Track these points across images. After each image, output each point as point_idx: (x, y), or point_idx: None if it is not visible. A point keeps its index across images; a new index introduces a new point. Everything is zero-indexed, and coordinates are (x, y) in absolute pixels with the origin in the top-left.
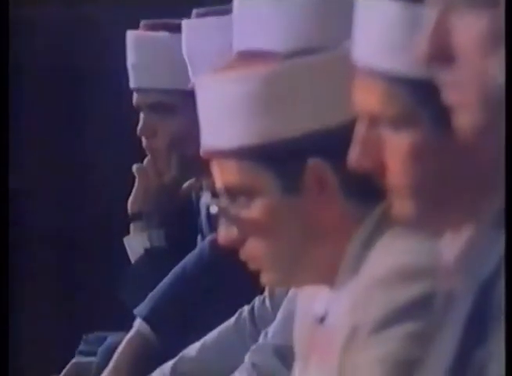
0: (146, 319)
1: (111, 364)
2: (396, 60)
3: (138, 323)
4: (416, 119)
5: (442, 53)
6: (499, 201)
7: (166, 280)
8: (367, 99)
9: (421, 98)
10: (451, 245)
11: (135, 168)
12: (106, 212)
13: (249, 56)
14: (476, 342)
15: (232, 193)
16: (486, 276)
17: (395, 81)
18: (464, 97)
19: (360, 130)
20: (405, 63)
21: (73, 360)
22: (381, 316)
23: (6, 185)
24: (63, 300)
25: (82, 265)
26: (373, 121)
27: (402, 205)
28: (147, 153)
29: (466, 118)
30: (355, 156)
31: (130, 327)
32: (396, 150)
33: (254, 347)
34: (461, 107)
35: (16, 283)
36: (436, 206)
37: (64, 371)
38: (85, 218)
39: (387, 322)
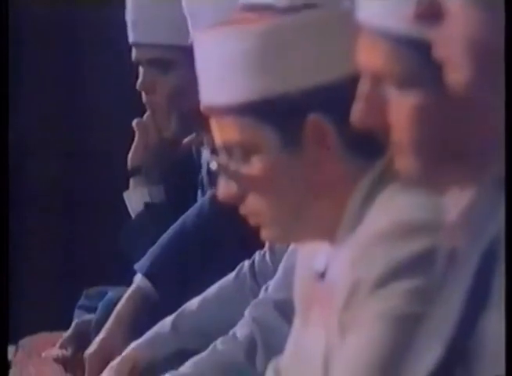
0: (146, 274)
1: (111, 319)
2: (400, 20)
3: (138, 279)
4: (420, 79)
5: (431, 11)
6: (500, 163)
7: (166, 236)
8: (371, 58)
9: (425, 58)
10: (454, 203)
11: (134, 122)
12: (106, 167)
13: (251, 9)
14: (479, 308)
15: (232, 149)
16: (489, 239)
17: (400, 41)
18: (452, 53)
19: (363, 88)
20: (408, 22)
21: (77, 320)
22: (382, 271)
23: (6, 139)
24: (63, 255)
25: (83, 221)
26: (377, 80)
27: (404, 162)
28: (147, 108)
29: (455, 74)
30: (357, 114)
31: (130, 282)
32: (400, 110)
33: (254, 301)
34: (449, 63)
35: (16, 238)
36: (439, 164)
37: (69, 331)
38: (85, 173)
39: (388, 277)
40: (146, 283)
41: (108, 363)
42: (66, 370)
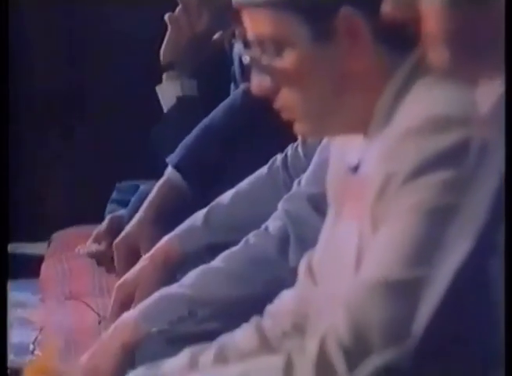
0: (176, 166)
1: (140, 211)
2: None
3: (169, 171)
4: None
5: None
6: None
7: (198, 129)
8: None
9: None
10: (485, 95)
11: (167, 17)
12: (139, 62)
13: None
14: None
15: (264, 43)
16: None
17: None
18: None
19: None
20: None
21: (111, 214)
22: (415, 164)
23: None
24: (96, 148)
25: (115, 115)
26: None
27: (436, 53)
28: (179, 2)
29: None
30: (389, 5)
31: (162, 175)
32: None
33: (287, 195)
34: None
35: (48, 132)
36: (470, 54)
37: (102, 225)
38: (117, 67)
39: (420, 170)
40: (176, 176)
41: (135, 252)
42: (98, 264)
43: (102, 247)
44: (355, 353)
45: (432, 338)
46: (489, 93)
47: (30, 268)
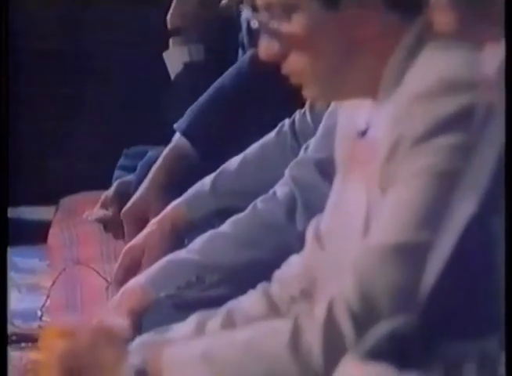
0: (184, 133)
1: (147, 179)
2: None
3: (176, 138)
4: None
5: None
6: None
7: (206, 95)
8: None
9: None
10: (491, 59)
11: None
12: (145, 28)
13: None
14: None
15: (272, 8)
16: None
17: None
18: None
19: None
20: None
21: (119, 180)
22: (423, 128)
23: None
24: (103, 114)
25: (122, 82)
26: None
27: (442, 17)
28: None
29: None
30: None
31: (170, 142)
32: None
33: (294, 161)
34: None
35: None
36: (476, 18)
37: (110, 191)
38: (123, 35)
39: (428, 134)
40: (184, 142)
41: (143, 220)
42: (106, 229)
43: (109, 212)
44: (363, 318)
45: (437, 302)
46: (496, 56)
47: (38, 234)
